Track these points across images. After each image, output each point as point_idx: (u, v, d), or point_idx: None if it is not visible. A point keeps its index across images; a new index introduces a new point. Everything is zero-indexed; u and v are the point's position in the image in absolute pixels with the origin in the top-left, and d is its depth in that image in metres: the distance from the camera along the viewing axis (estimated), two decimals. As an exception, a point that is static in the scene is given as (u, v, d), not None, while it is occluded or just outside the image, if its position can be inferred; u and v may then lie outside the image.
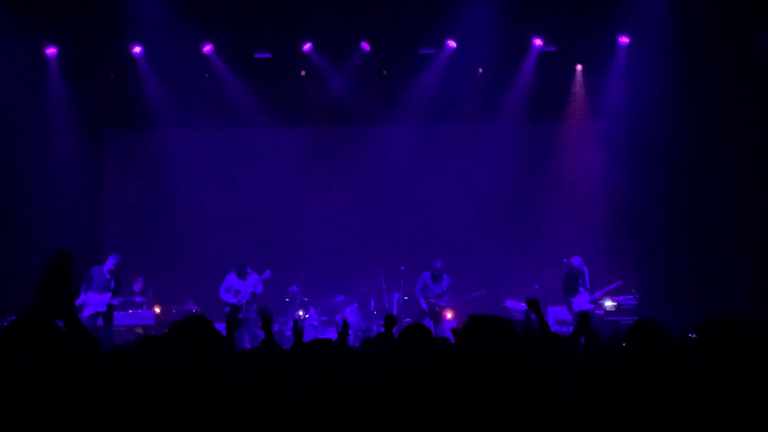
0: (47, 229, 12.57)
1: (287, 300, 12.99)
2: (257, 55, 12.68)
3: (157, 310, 12.60)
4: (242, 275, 12.53)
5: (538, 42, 12.69)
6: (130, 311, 12.36)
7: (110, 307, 11.69)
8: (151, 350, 3.18)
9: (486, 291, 13.01)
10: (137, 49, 12.72)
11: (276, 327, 12.73)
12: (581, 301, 12.23)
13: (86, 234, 13.47)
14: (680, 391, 3.02)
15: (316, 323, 12.93)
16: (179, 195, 14.15)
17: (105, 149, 14.84)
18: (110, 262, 11.79)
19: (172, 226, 14.29)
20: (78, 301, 11.35)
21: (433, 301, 12.73)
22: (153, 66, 12.92)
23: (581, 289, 12.29)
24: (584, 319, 5.34)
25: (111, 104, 13.80)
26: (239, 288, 12.50)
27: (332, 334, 12.13)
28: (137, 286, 12.75)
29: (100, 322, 11.53)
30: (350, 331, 12.34)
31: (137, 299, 12.13)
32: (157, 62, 12.86)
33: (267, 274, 12.61)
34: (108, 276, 11.68)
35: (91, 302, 11.55)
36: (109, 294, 11.64)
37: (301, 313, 12.91)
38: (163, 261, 13.94)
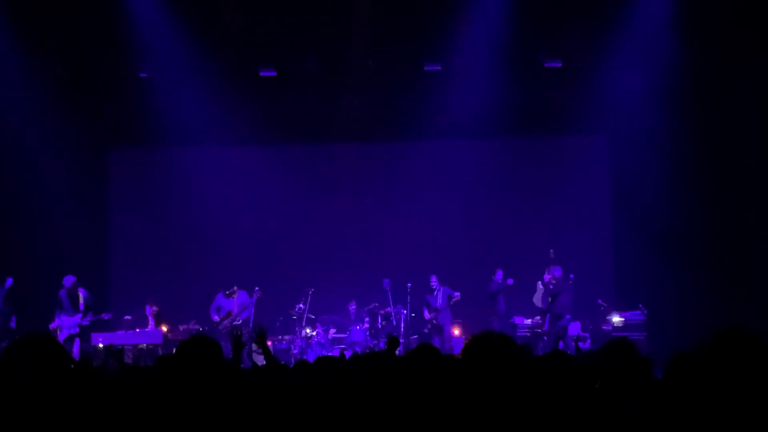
0: (53, 245, 12.63)
1: (294, 317, 12.97)
2: (262, 73, 12.72)
3: (165, 328, 12.58)
4: (230, 294, 12.58)
5: (543, 58, 12.70)
6: (137, 330, 12.33)
7: (82, 328, 11.81)
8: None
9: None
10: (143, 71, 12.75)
11: (284, 344, 12.73)
12: None
13: (92, 251, 13.51)
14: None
15: (323, 340, 12.90)
16: (184, 213, 14.19)
17: (110, 169, 14.89)
18: (66, 282, 11.87)
19: (177, 244, 14.30)
20: (53, 325, 11.66)
21: (432, 314, 13.17)
22: (159, 85, 12.93)
23: None
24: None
25: (116, 124, 13.84)
26: (224, 306, 12.58)
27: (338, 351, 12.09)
28: (149, 310, 12.70)
29: (77, 343, 11.67)
30: (357, 348, 12.38)
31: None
32: (163, 81, 12.88)
33: (255, 289, 12.63)
34: (66, 296, 11.77)
35: (65, 325, 11.73)
36: (80, 315, 11.80)
37: (308, 330, 12.88)
38: (169, 279, 13.94)
